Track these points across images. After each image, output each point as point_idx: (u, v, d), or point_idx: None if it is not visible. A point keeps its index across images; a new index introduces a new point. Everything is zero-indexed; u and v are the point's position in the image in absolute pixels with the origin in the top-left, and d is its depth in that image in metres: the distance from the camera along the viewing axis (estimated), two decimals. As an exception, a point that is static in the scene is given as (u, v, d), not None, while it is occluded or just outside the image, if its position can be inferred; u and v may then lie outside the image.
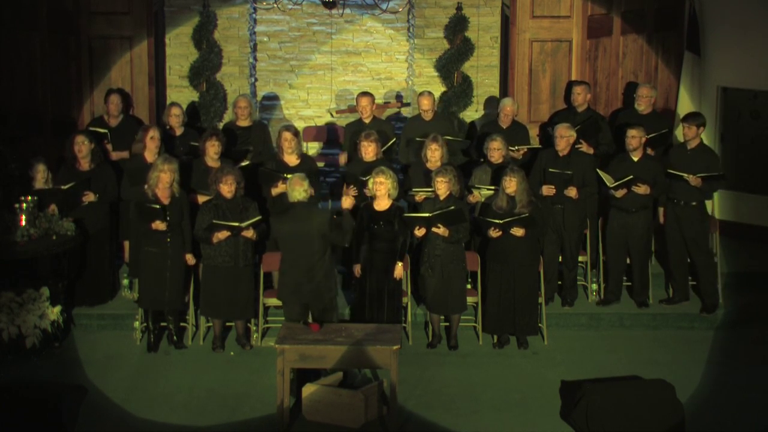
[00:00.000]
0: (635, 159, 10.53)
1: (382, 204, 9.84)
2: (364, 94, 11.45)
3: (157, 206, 9.79)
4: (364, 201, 10.07)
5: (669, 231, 10.73)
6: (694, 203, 10.56)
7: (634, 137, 10.48)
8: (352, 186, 10.43)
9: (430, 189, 10.15)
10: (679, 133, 11.13)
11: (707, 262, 10.70)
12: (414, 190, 10.44)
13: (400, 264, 9.85)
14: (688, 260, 10.79)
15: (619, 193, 10.49)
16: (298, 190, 9.46)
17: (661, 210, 10.82)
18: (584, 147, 10.99)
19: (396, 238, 9.82)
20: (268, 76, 13.51)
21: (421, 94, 11.53)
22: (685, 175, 10.40)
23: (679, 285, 10.86)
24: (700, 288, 10.82)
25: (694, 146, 10.59)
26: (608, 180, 10.45)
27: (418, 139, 11.03)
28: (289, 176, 10.38)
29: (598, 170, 10.54)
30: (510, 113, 11.28)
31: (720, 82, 12.45)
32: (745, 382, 9.55)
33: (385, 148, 11.02)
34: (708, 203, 11.03)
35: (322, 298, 9.44)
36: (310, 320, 9.44)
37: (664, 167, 10.58)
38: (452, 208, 9.78)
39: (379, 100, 12.78)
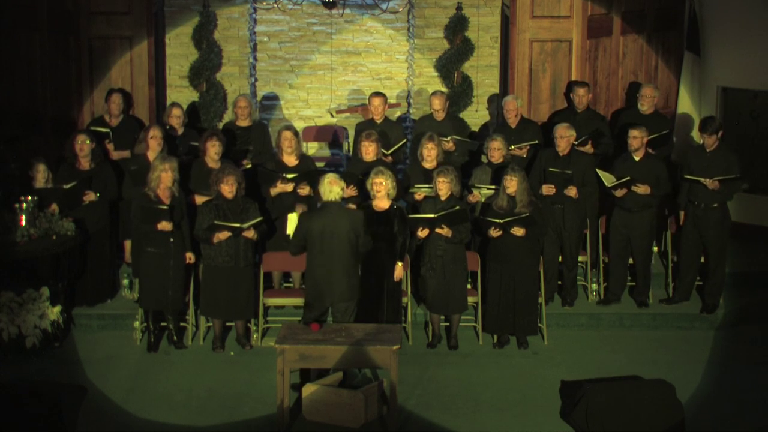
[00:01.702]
0: (637, 159, 10.54)
1: (381, 204, 9.84)
2: (377, 94, 11.43)
3: (164, 207, 9.79)
4: (364, 201, 10.06)
5: (686, 232, 10.71)
6: (714, 205, 10.55)
7: (636, 137, 10.49)
8: (351, 186, 10.42)
9: (430, 185, 10.16)
10: (696, 135, 11.10)
11: (721, 263, 10.69)
12: (416, 186, 10.43)
13: (400, 264, 9.84)
14: (701, 261, 10.80)
15: (619, 193, 10.51)
16: (335, 190, 9.40)
17: (682, 213, 10.81)
18: (587, 147, 10.98)
19: (395, 238, 9.82)
20: (268, 76, 13.51)
21: (433, 93, 11.54)
22: (702, 179, 10.41)
23: (685, 286, 10.85)
24: (705, 288, 10.83)
25: (713, 149, 10.58)
26: (607, 180, 10.46)
27: None
28: (288, 176, 10.41)
29: (597, 170, 10.55)
30: (513, 109, 11.26)
31: (720, 82, 12.45)
32: (745, 382, 9.54)
33: (393, 149, 11.02)
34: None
35: (352, 298, 9.45)
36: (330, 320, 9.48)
37: (682, 170, 10.58)
38: (456, 208, 9.79)
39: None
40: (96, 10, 11.84)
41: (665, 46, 12.57)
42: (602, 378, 9.31)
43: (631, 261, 10.86)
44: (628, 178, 10.38)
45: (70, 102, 11.93)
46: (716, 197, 10.52)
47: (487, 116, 13.17)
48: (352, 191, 10.40)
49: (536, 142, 11.14)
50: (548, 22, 11.97)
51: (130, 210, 10.24)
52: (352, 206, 9.87)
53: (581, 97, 11.37)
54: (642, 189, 10.44)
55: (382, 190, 9.74)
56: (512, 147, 10.92)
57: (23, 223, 9.99)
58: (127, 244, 10.74)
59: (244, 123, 11.46)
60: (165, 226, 9.82)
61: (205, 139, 10.60)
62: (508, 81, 12.23)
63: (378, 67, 13.55)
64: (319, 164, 12.47)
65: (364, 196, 10.12)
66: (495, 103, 13.02)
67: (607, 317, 10.75)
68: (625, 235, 10.69)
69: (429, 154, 10.50)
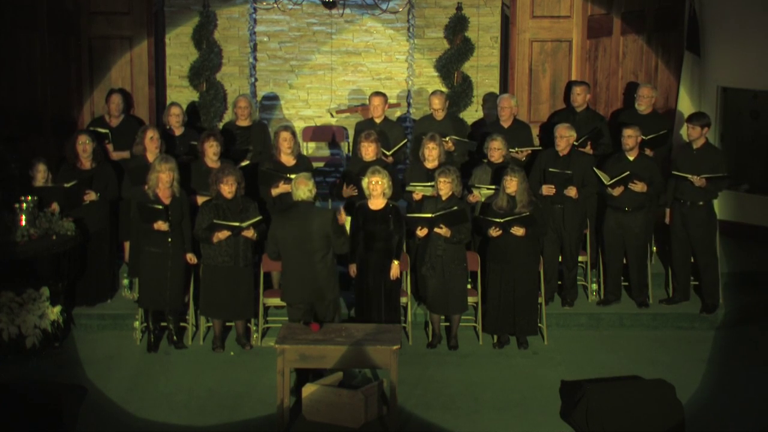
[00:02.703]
0: (631, 158, 10.55)
1: (377, 203, 9.83)
2: (377, 93, 11.43)
3: (160, 206, 9.80)
4: (362, 200, 10.06)
5: (675, 231, 10.72)
6: (700, 203, 10.56)
7: (630, 137, 10.51)
8: (351, 185, 10.42)
9: (429, 183, 10.15)
10: (684, 132, 11.14)
11: (711, 262, 10.69)
12: (412, 184, 10.42)
13: (396, 262, 9.83)
14: (692, 260, 10.80)
15: (617, 191, 10.50)
16: (302, 189, 9.41)
17: (667, 211, 10.82)
18: (586, 147, 10.99)
19: (391, 237, 9.81)
20: (268, 76, 13.52)
21: (433, 93, 11.53)
22: (689, 176, 10.41)
23: (682, 285, 10.85)
24: (701, 288, 10.82)
25: (699, 146, 10.59)
26: (605, 178, 10.47)
27: None
28: (292, 176, 10.39)
29: (594, 169, 10.55)
30: (507, 108, 11.24)
31: (720, 82, 12.45)
32: (745, 382, 9.55)
33: (394, 150, 11.01)
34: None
35: (325, 298, 9.41)
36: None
37: (670, 167, 10.59)
38: (455, 208, 9.78)
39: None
40: (96, 10, 11.84)
41: (665, 46, 12.56)
42: (602, 378, 9.30)
43: (624, 261, 10.87)
44: (628, 173, 10.38)
45: (70, 102, 11.93)
46: (702, 195, 10.52)
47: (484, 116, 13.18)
48: (351, 191, 10.40)
49: (539, 148, 11.14)
50: (548, 22, 11.98)
51: (130, 210, 10.25)
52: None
53: (577, 95, 11.37)
54: (639, 186, 10.44)
55: (378, 189, 9.74)
56: (516, 149, 10.92)
57: (23, 223, 9.99)
58: (127, 244, 10.73)
59: (244, 123, 11.46)
60: (160, 225, 9.82)
61: (202, 140, 10.61)
62: (508, 81, 12.24)
63: (378, 67, 13.56)
64: (319, 164, 12.48)
65: (364, 196, 10.14)
66: (491, 102, 13.00)
67: (607, 317, 10.75)
68: (619, 235, 10.69)
69: (430, 154, 10.50)
